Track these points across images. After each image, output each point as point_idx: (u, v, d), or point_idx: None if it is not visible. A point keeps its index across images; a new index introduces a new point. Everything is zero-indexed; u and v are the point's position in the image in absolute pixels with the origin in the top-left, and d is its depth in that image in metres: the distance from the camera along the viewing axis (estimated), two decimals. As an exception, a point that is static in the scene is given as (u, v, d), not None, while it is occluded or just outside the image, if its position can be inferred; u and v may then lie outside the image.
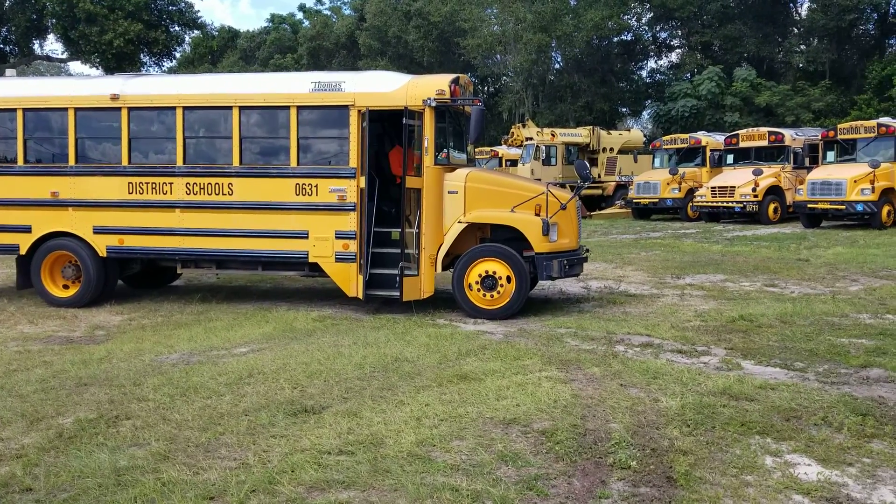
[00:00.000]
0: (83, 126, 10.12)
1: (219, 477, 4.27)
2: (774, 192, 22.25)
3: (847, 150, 20.31)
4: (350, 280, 9.31)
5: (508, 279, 8.89)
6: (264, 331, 8.48)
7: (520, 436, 4.84)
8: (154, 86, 10.24)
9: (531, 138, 28.90)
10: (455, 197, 9.13)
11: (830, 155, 20.81)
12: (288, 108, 9.43)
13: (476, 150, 12.56)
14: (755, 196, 21.75)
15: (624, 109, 51.41)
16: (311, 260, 9.46)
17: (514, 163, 30.07)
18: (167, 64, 45.51)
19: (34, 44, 41.89)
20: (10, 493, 4.15)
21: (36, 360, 7.30)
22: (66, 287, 10.41)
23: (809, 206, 19.67)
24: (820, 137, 21.68)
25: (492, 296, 8.93)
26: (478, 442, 4.72)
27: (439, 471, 4.29)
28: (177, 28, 43.19)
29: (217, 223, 9.74)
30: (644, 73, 51.08)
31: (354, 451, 4.59)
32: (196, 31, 47.81)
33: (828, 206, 19.28)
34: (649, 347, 7.24)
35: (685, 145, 26.12)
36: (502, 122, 45.90)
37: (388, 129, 10.34)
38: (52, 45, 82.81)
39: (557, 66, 47.85)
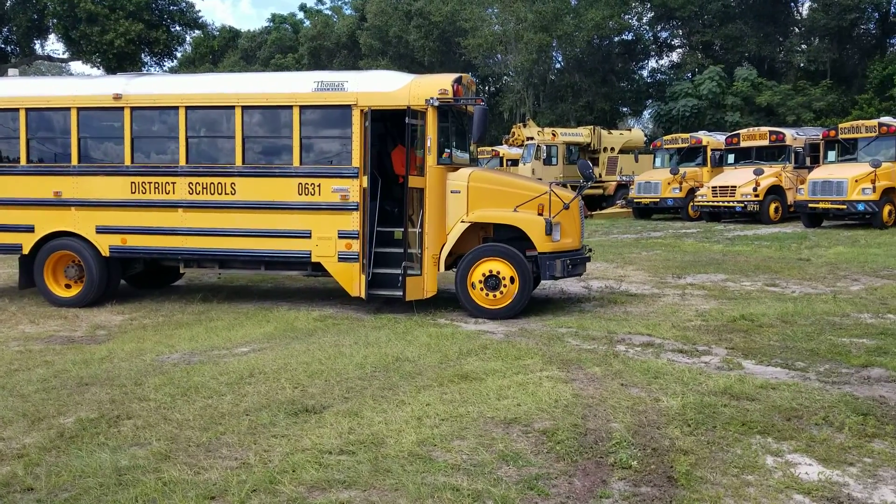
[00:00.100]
0: (86, 126, 10.12)
1: (220, 476, 4.27)
2: (775, 191, 22.24)
3: (848, 150, 20.30)
4: (353, 280, 9.32)
5: (512, 279, 8.89)
6: (265, 330, 8.49)
7: (521, 435, 4.84)
8: (157, 85, 10.25)
9: (532, 138, 28.90)
10: (458, 196, 9.12)
11: (831, 154, 20.80)
12: (290, 107, 9.43)
13: (477, 149, 12.56)
14: (756, 196, 21.74)
15: (625, 109, 51.41)
16: (313, 259, 9.46)
17: (514, 162, 30.07)
18: (168, 64, 45.57)
19: (35, 44, 41.95)
20: (11, 492, 4.16)
21: (37, 360, 7.31)
22: (68, 287, 10.42)
23: (810, 205, 19.66)
24: (821, 137, 21.67)
25: (494, 296, 8.93)
26: (479, 441, 4.72)
27: (440, 470, 4.29)
28: (178, 28, 43.21)
29: (220, 223, 9.74)
30: (645, 73, 51.15)
31: (355, 451, 4.59)
32: (197, 31, 47.85)
33: (829, 205, 19.26)
34: (650, 347, 7.24)
35: (686, 145, 26.12)
36: (503, 121, 45.90)
37: (391, 128, 10.34)
38: (54, 45, 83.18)
39: (558, 65, 47.88)
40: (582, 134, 29.87)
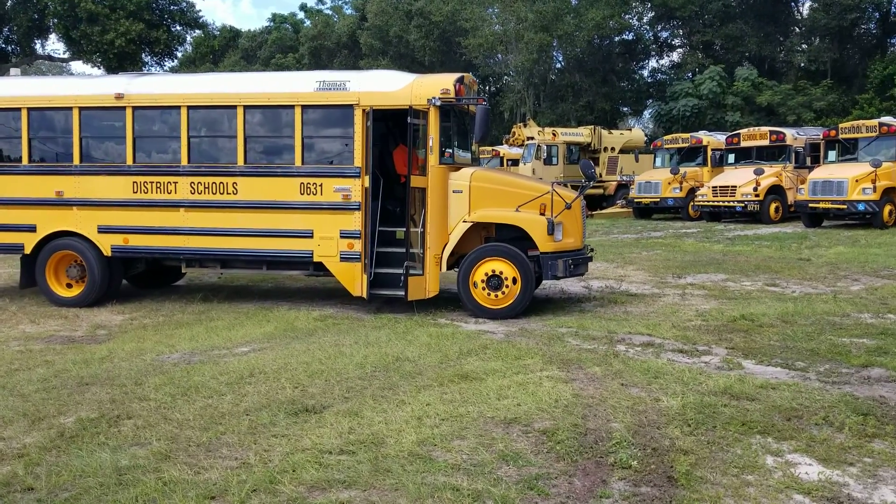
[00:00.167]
0: (88, 125, 10.13)
1: (220, 476, 4.27)
2: (776, 191, 22.23)
3: (848, 150, 20.30)
4: (355, 279, 9.32)
5: (514, 280, 8.89)
6: (265, 330, 8.49)
7: (521, 435, 4.84)
8: (158, 85, 10.25)
9: (532, 138, 28.90)
10: (460, 196, 9.12)
11: (832, 154, 20.79)
12: (292, 107, 9.43)
13: (479, 149, 12.56)
14: (756, 195, 21.74)
15: (625, 109, 51.41)
16: (315, 259, 9.46)
17: (515, 162, 30.07)
18: (168, 64, 45.61)
19: (36, 43, 41.99)
20: (11, 492, 4.16)
21: (37, 360, 7.31)
22: (70, 286, 10.42)
23: (811, 205, 19.65)
24: (821, 137, 21.67)
25: (496, 296, 8.93)
26: (479, 441, 4.72)
27: (440, 470, 4.29)
28: (178, 28, 43.24)
29: (221, 222, 9.74)
30: (645, 73, 51.16)
31: (355, 451, 4.59)
32: (197, 31, 47.90)
33: (829, 205, 19.26)
34: (650, 347, 7.24)
35: (686, 145, 26.11)
36: (503, 121, 45.91)
37: (392, 127, 10.34)
38: (54, 45, 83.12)
39: (559, 65, 47.87)
40: (582, 134, 29.87)
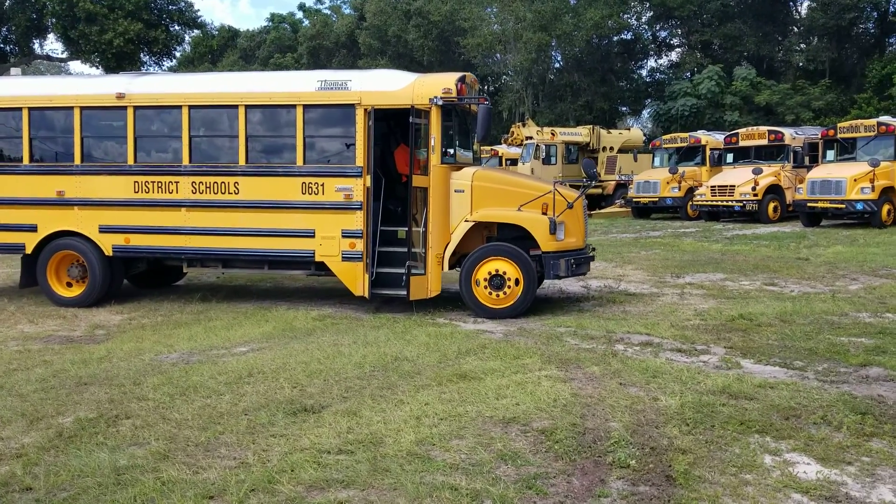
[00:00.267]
0: (89, 125, 10.12)
1: (218, 476, 4.27)
2: (774, 190, 22.25)
3: (847, 149, 20.30)
4: (356, 279, 9.31)
5: (517, 281, 8.88)
6: (264, 330, 8.49)
7: (519, 435, 4.84)
8: (160, 85, 10.25)
9: (531, 137, 28.90)
10: (462, 196, 9.12)
11: (830, 154, 20.80)
12: (294, 106, 9.42)
13: (480, 148, 12.58)
14: (755, 195, 21.75)
15: (624, 108, 51.41)
16: (317, 259, 9.46)
17: (514, 162, 30.07)
18: (167, 63, 45.55)
19: (34, 43, 41.93)
20: (10, 492, 4.16)
21: (36, 360, 7.31)
22: (69, 286, 10.41)
23: (809, 204, 19.66)
24: (820, 136, 21.67)
25: (498, 295, 8.93)
26: (477, 441, 4.72)
27: (439, 470, 4.29)
28: (177, 27, 43.20)
29: (223, 222, 9.73)
30: (644, 72, 51.14)
31: (354, 451, 4.59)
32: (196, 31, 47.84)
33: (827, 204, 19.27)
34: (649, 346, 7.25)
35: (685, 144, 26.12)
36: (502, 121, 45.90)
37: (393, 127, 10.33)
38: (52, 45, 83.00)
39: (557, 65, 47.88)
40: (581, 133, 29.88)
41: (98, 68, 40.57)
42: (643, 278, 11.91)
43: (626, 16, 45.91)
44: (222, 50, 64.50)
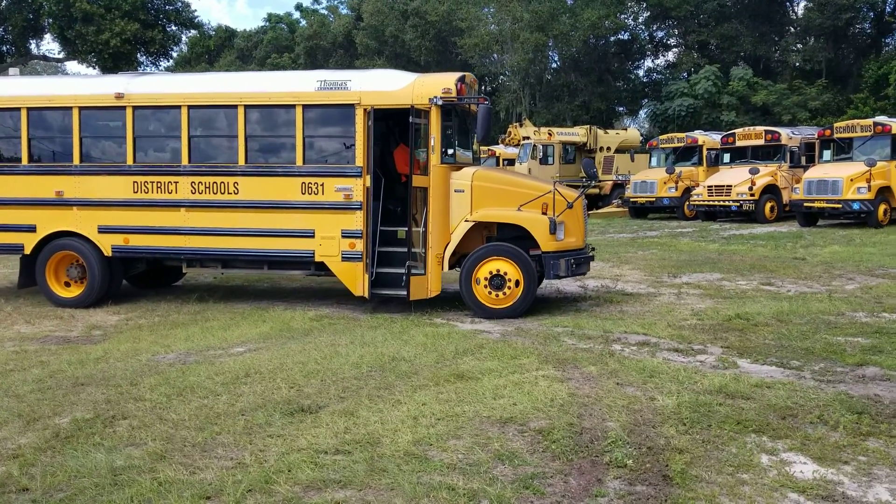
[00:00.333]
0: (88, 125, 10.11)
1: (215, 476, 4.27)
2: (771, 190, 22.27)
3: (843, 149, 20.33)
4: (356, 279, 9.31)
5: (517, 283, 8.88)
6: (261, 330, 8.48)
7: (516, 435, 4.84)
8: (159, 85, 10.24)
9: (528, 137, 28.91)
10: (462, 195, 9.12)
11: (827, 154, 20.83)
12: (293, 106, 9.42)
13: (480, 149, 12.59)
14: (752, 195, 21.77)
15: (621, 108, 51.44)
16: (317, 259, 9.45)
17: (511, 162, 30.07)
18: (164, 64, 45.44)
19: (31, 43, 41.83)
20: (6, 493, 4.15)
21: (32, 360, 7.30)
22: (67, 285, 10.39)
23: (806, 204, 19.69)
24: (816, 136, 21.68)
25: (497, 295, 8.93)
26: (474, 441, 4.72)
27: (436, 470, 4.29)
28: (173, 27, 43.08)
29: (222, 222, 9.72)
30: (641, 73, 51.17)
31: (351, 451, 4.59)
32: (193, 31, 47.70)
33: (824, 204, 19.30)
34: (646, 346, 7.25)
35: (682, 144, 26.13)
36: (499, 121, 45.89)
37: (393, 127, 10.33)
38: (49, 45, 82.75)
39: (554, 65, 47.88)
40: (578, 133, 29.89)
41: (95, 68, 40.47)
42: (640, 278, 11.92)
43: (622, 16, 45.95)
44: (219, 50, 64.44)
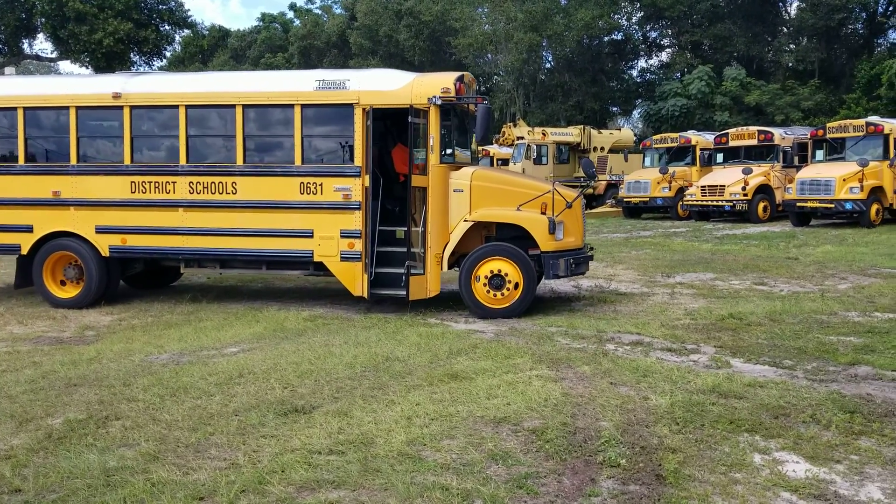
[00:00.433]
0: (85, 125, 10.07)
1: (209, 477, 4.26)
2: (764, 190, 22.35)
3: (836, 149, 20.42)
4: (355, 279, 9.30)
5: (516, 285, 8.88)
6: (255, 331, 8.47)
7: (510, 434, 4.85)
8: (156, 84, 10.20)
9: (522, 137, 28.95)
10: (461, 195, 9.12)
11: (819, 154, 20.92)
12: (292, 106, 9.39)
13: (479, 148, 12.59)
14: (745, 195, 21.84)
15: (614, 109, 51.57)
16: (315, 259, 9.43)
17: (505, 162, 30.13)
18: (157, 63, 45.35)
19: (24, 43, 41.65)
20: (-2, 494, 4.14)
21: (25, 361, 7.27)
22: (62, 284, 10.34)
23: (799, 204, 19.76)
24: (809, 136, 21.79)
25: (496, 295, 8.93)
26: (468, 441, 4.72)
27: (429, 470, 4.29)
28: (167, 27, 42.99)
29: (220, 222, 9.69)
30: (634, 73, 51.37)
31: (345, 451, 4.59)
32: (186, 31, 47.64)
33: (817, 204, 19.37)
34: (639, 346, 7.27)
35: (675, 144, 26.20)
36: (493, 121, 45.90)
37: (391, 126, 10.31)
38: (42, 45, 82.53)
39: (548, 65, 47.98)
40: (572, 133, 29.94)
41: (88, 68, 40.35)
42: (634, 278, 11.94)
43: (616, 16, 46.04)
44: (213, 50, 64.29)
